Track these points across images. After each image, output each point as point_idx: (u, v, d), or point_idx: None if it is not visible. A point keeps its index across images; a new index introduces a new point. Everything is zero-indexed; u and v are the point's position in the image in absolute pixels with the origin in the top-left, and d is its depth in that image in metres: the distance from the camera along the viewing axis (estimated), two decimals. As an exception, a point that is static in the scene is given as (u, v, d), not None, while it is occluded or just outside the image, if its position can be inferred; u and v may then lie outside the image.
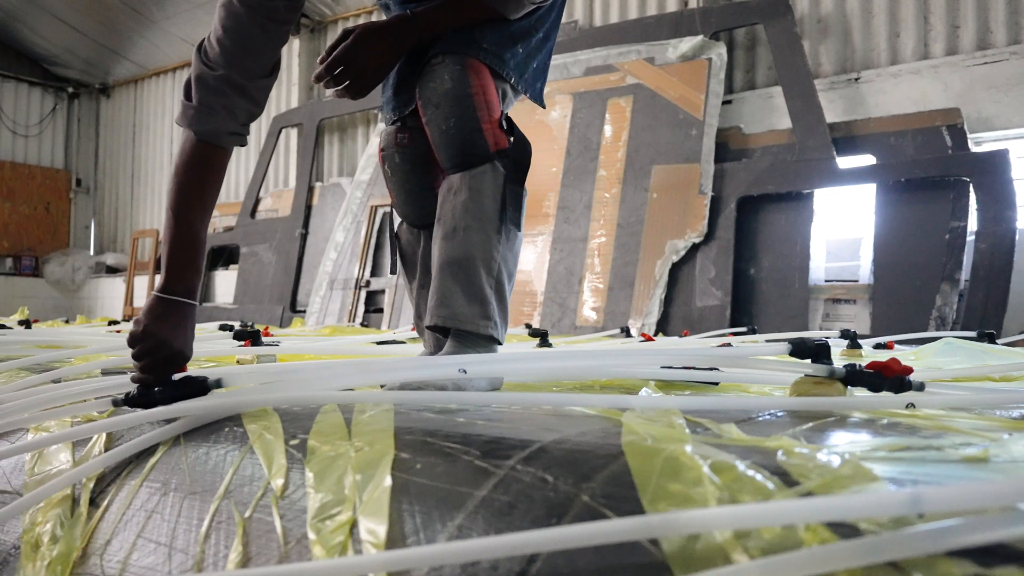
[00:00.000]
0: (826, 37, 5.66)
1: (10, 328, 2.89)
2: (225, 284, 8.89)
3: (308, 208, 8.24)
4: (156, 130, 11.18)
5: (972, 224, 4.67)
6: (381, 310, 7.26)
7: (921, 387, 1.09)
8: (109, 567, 0.83)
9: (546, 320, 5.84)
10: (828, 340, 1.11)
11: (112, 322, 5.10)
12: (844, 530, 0.52)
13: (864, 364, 1.08)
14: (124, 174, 11.63)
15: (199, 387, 1.10)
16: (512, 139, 1.51)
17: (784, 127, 5.46)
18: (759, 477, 0.60)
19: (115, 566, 0.82)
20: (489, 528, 0.64)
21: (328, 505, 0.73)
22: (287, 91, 9.25)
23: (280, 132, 8.67)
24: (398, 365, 1.09)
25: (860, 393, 1.11)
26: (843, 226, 5.38)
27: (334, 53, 1.50)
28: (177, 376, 1.12)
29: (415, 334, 3.70)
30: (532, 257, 6.11)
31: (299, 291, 8.02)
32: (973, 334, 3.06)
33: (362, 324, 7.15)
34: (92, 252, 11.86)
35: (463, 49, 1.50)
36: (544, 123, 6.36)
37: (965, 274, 4.65)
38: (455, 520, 0.66)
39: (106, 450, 1.02)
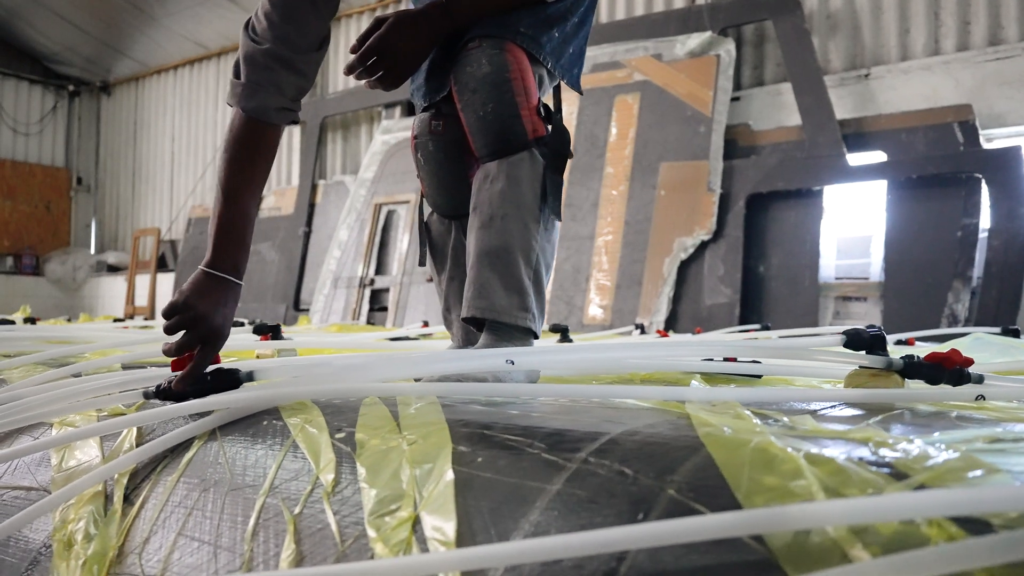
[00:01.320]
0: (835, 33, 5.62)
1: (14, 323, 2.85)
2: (227, 283, 8.82)
3: (311, 206, 8.19)
4: (157, 128, 11.13)
5: (984, 221, 4.63)
6: (385, 308, 7.21)
7: (980, 379, 1.05)
8: (149, 566, 0.79)
9: (553, 318, 5.79)
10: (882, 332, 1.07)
11: (118, 319, 5.05)
12: (969, 526, 0.48)
13: (922, 356, 1.04)
14: (125, 173, 11.58)
15: (231, 380, 1.06)
16: (550, 127, 1.47)
17: (793, 124, 5.42)
18: (862, 470, 0.56)
19: (155, 565, 0.78)
20: (567, 524, 0.60)
21: (385, 501, 0.69)
22: (290, 89, 9.20)
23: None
24: (441, 357, 1.05)
25: (915, 385, 1.07)
26: (853, 223, 5.34)
27: (367, 43, 1.46)
28: (209, 368, 1.08)
29: (425, 331, 3.66)
30: (539, 255, 6.07)
31: (302, 289, 7.98)
32: (997, 330, 3.02)
33: (368, 323, 7.11)
34: (93, 251, 11.81)
35: (501, 32, 1.46)
36: (550, 120, 6.31)
37: (977, 271, 4.61)
38: (529, 516, 0.62)
39: (137, 445, 0.97)
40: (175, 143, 10.83)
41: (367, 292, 7.35)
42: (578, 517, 0.60)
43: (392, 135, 7.56)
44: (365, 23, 8.57)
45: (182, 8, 9.36)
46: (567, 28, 1.56)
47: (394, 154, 7.47)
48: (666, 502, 0.58)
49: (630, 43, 6.05)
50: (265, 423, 0.92)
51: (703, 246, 5.43)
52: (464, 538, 0.63)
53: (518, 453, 0.70)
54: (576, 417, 0.82)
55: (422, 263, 1.74)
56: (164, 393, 1.06)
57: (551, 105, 1.56)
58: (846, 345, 1.07)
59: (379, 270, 7.39)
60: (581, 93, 1.69)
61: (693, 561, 0.53)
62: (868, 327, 1.11)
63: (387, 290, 7.25)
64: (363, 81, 1.48)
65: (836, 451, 0.59)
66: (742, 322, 5.19)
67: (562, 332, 2.34)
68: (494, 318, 1.37)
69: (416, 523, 0.66)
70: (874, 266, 5.15)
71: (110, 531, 0.84)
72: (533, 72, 1.49)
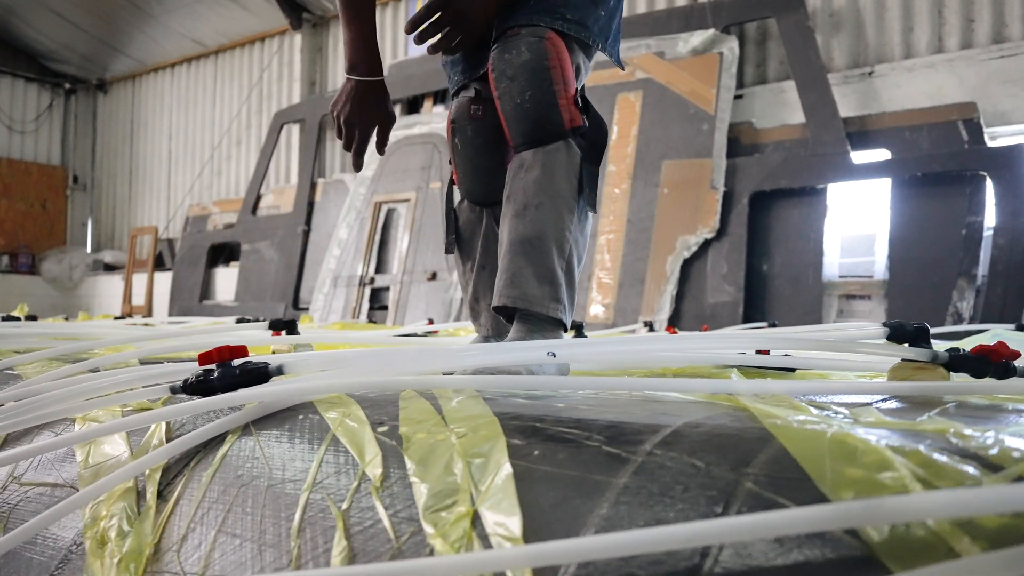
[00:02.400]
0: (838, 31, 5.62)
1: (20, 319, 2.81)
2: (226, 281, 8.80)
3: (311, 205, 8.16)
4: (154, 127, 11.08)
5: (989, 219, 4.63)
6: (386, 307, 7.18)
7: (1025, 373, 1.03)
8: (189, 564, 0.76)
9: (555, 317, 5.77)
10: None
11: (119, 318, 5.01)
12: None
13: (968, 349, 1.02)
14: (122, 171, 11.52)
15: (260, 374, 1.03)
16: (587, 117, 1.46)
17: (796, 121, 5.41)
18: (952, 461, 0.53)
19: (195, 563, 0.76)
20: (639, 518, 0.58)
21: (440, 495, 0.67)
22: (289, 87, 9.17)
23: (281, 128, 8.58)
24: (479, 350, 1.02)
25: (958, 379, 1.05)
26: (857, 221, 5.34)
27: None
28: (236, 362, 1.05)
29: (431, 328, 3.63)
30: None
31: (302, 288, 7.94)
32: (1012, 326, 3.01)
33: (370, 321, 7.08)
34: (89, 249, 11.74)
35: (543, 20, 1.44)
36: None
37: (982, 269, 4.61)
38: (597, 511, 0.60)
39: (168, 440, 0.95)
40: (172, 141, 10.78)
41: (367, 291, 7.32)
42: (651, 511, 0.58)
43: (392, 133, 7.52)
44: (364, 21, 8.53)
45: (180, 5, 9.32)
46: (610, 4, 1.55)
47: (394, 152, 7.44)
48: (745, 495, 0.56)
49: (633, 41, 6.03)
50: (301, 417, 0.89)
51: (706, 244, 5.41)
52: (528, 533, 0.60)
53: (576, 446, 0.68)
54: (626, 410, 0.79)
55: (449, 251, 1.71)
56: (192, 387, 1.03)
57: None
58: (889, 338, 1.04)
59: (379, 269, 7.36)
60: (623, 68, 1.68)
61: (782, 557, 0.50)
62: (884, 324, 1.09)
63: (387, 289, 7.22)
64: (426, 43, 1.47)
65: (917, 443, 0.57)
66: (745, 320, 5.18)
67: (577, 328, 2.32)
68: (525, 308, 1.35)
69: (475, 518, 0.64)
70: (878, 264, 5.14)
71: (145, 528, 0.82)
72: (572, 61, 1.47)
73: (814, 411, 0.73)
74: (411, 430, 0.78)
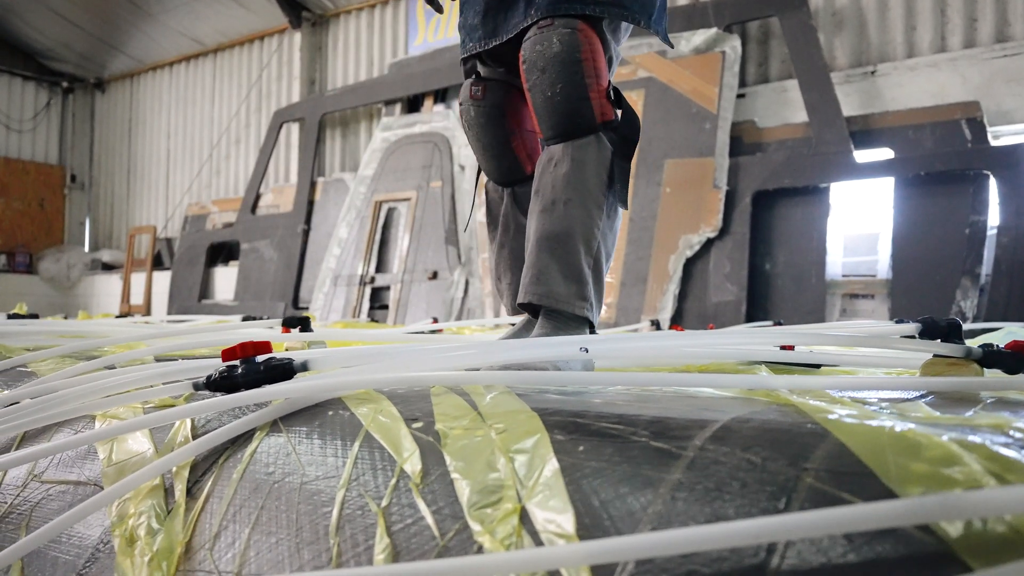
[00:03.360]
0: (841, 30, 5.61)
1: (25, 317, 2.79)
2: (225, 281, 8.77)
3: (310, 204, 8.14)
4: (153, 126, 11.04)
5: (993, 218, 4.63)
6: (386, 306, 7.16)
7: (1059, 369, 1.02)
8: (223, 563, 0.74)
9: (557, 316, 5.76)
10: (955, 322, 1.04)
11: (121, 316, 4.99)
12: None
13: (1002, 344, 1.01)
14: (120, 170, 11.48)
15: (284, 370, 1.02)
16: (619, 111, 1.44)
17: (799, 120, 5.41)
18: (1020, 456, 0.52)
19: (230, 561, 0.74)
20: (696, 514, 0.56)
21: (484, 492, 0.66)
22: (288, 85, 9.14)
23: (281, 127, 8.56)
24: (512, 345, 1.01)
25: (991, 375, 1.04)
26: (860, 220, 5.33)
27: None
28: (260, 358, 1.04)
29: (436, 326, 3.61)
30: (542, 252, 6.03)
31: (301, 287, 7.92)
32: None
33: (371, 320, 7.06)
34: (87, 249, 11.70)
35: (574, 8, 1.41)
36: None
37: (986, 268, 4.60)
38: (650, 507, 0.58)
39: (194, 437, 0.93)
40: (171, 140, 10.74)
41: (367, 290, 7.30)
42: (709, 507, 0.57)
43: (392, 132, 7.51)
44: (363, 20, 8.52)
45: (179, 4, 9.28)
46: None
47: (395, 151, 7.42)
48: (806, 490, 0.55)
49: (635, 39, 6.02)
50: (331, 413, 0.88)
51: (709, 243, 5.41)
52: (580, 530, 0.59)
53: (622, 441, 0.67)
54: (666, 405, 0.78)
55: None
56: (215, 384, 1.02)
57: None
58: (922, 334, 1.03)
59: (380, 268, 7.34)
60: (671, 46, 1.66)
61: (853, 553, 0.49)
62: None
63: (388, 288, 7.20)
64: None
65: (979, 437, 0.56)
66: (748, 319, 5.17)
67: (589, 326, 2.30)
68: (551, 305, 1.33)
69: (522, 515, 0.62)
70: (881, 263, 5.14)
71: (175, 526, 0.80)
72: (604, 54, 1.45)
73: (864, 407, 0.72)
74: (448, 426, 0.77)
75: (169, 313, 8.81)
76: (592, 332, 1.44)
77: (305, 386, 0.92)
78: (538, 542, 0.60)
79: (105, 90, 11.72)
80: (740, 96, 5.74)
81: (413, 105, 7.72)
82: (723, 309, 5.29)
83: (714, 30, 5.67)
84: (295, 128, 8.74)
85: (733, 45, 5.62)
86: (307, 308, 7.70)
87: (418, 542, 0.65)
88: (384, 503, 0.70)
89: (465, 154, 6.84)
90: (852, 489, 0.53)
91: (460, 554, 0.62)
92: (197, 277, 8.82)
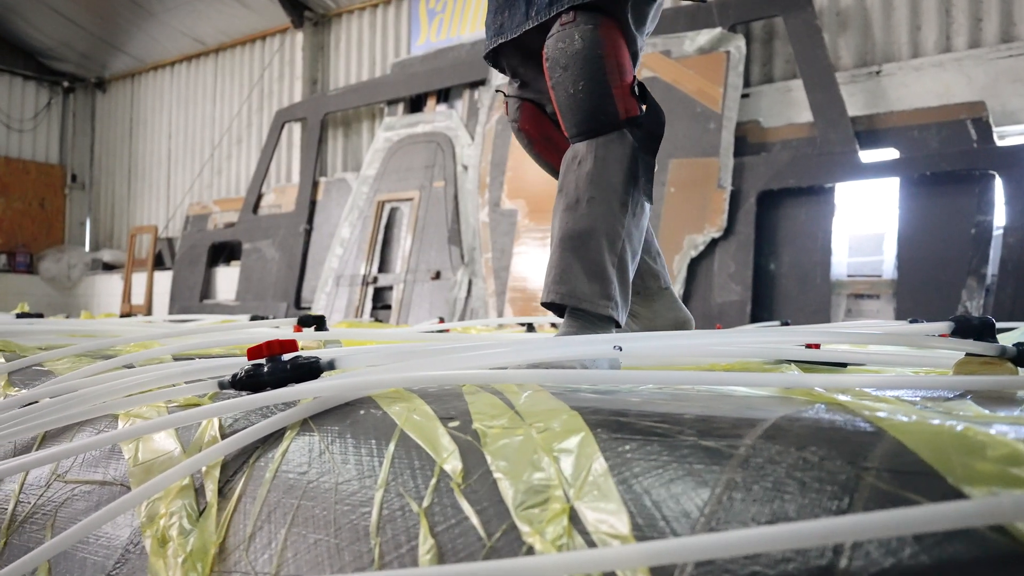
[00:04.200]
0: (845, 30, 5.61)
1: (32, 316, 2.77)
2: (226, 281, 8.76)
3: (312, 203, 8.12)
4: (154, 125, 11.02)
5: (998, 218, 4.62)
6: (389, 306, 7.15)
7: (1093, 367, 1.01)
8: (260, 564, 0.73)
9: (561, 316, 5.75)
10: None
11: (125, 316, 4.97)
12: None
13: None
14: (120, 170, 11.46)
15: (311, 369, 1.01)
16: (644, 106, 1.43)
17: (803, 120, 5.40)
18: (1088, 454, 0.51)
19: (267, 562, 0.73)
20: (753, 514, 0.55)
21: (530, 492, 0.65)
22: (290, 85, 9.13)
23: (283, 127, 8.54)
24: (545, 343, 1.00)
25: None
26: (866, 220, 5.32)
27: None
28: (286, 357, 1.02)
29: (442, 326, 3.60)
30: (546, 253, 6.02)
31: (303, 287, 7.90)
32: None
33: (375, 320, 7.04)
34: (88, 249, 11.68)
35: (595, 5, 1.41)
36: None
37: (992, 269, 4.60)
38: (705, 507, 0.57)
39: (222, 436, 0.92)
40: (172, 140, 10.73)
41: (370, 290, 7.29)
42: (767, 506, 0.55)
43: (395, 131, 7.50)
44: (365, 20, 8.51)
45: (180, 3, 9.27)
46: None
47: (397, 151, 7.41)
48: (868, 490, 0.54)
49: (639, 39, 6.01)
50: (362, 412, 0.87)
51: (713, 243, 5.40)
52: (634, 531, 0.58)
53: (669, 439, 0.66)
54: (707, 404, 0.77)
55: None
56: (241, 383, 1.01)
57: None
58: (954, 333, 1.02)
59: (382, 268, 7.32)
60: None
61: (924, 554, 0.48)
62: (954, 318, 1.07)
63: (390, 288, 7.19)
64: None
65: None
66: (753, 319, 5.17)
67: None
68: (575, 304, 1.32)
69: (571, 515, 0.61)
70: (887, 263, 5.13)
71: (208, 526, 0.79)
72: (628, 49, 1.44)
73: (913, 406, 0.71)
74: (486, 425, 0.76)
75: (171, 313, 8.79)
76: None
77: (335, 385, 0.90)
78: (589, 543, 0.59)
79: (106, 90, 11.70)
80: (744, 96, 5.74)
81: (416, 105, 7.70)
82: (728, 309, 5.29)
83: (718, 30, 5.67)
84: (297, 128, 8.73)
85: (737, 45, 5.62)
86: (309, 308, 7.69)
87: (464, 543, 0.64)
88: (425, 503, 0.69)
89: (468, 154, 6.83)
90: (916, 489, 0.52)
91: (509, 555, 0.61)
92: (199, 277, 8.81)
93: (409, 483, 0.72)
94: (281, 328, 2.33)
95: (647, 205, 1.46)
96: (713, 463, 0.61)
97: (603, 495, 0.61)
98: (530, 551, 0.60)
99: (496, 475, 0.68)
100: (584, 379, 0.88)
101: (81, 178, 11.88)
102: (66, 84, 11.63)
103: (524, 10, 1.56)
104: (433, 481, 0.71)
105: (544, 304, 1.39)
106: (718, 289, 5.36)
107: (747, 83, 5.82)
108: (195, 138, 10.39)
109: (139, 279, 9.94)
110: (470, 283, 6.58)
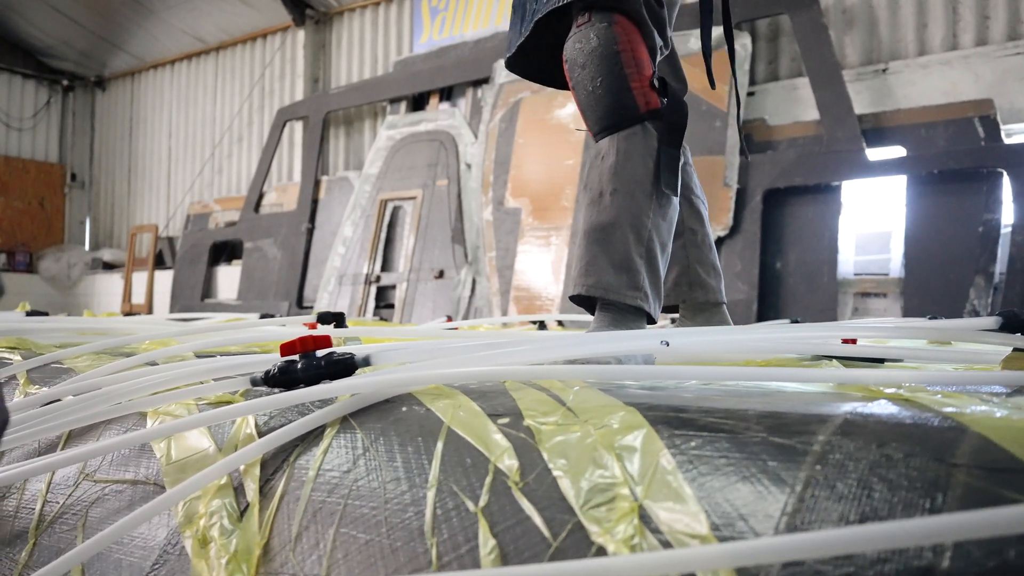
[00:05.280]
0: (851, 28, 5.59)
1: (45, 314, 2.74)
2: (227, 280, 8.72)
3: (314, 202, 8.09)
4: (154, 124, 10.98)
5: (1006, 216, 4.60)
6: (392, 305, 7.13)
7: None
8: (308, 564, 0.71)
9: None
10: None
11: (128, 315, 4.94)
12: None
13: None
14: (120, 169, 11.42)
15: (346, 366, 0.98)
16: (665, 100, 1.42)
17: (810, 118, 5.38)
18: None
19: (315, 563, 0.71)
20: (846, 513, 0.53)
21: (594, 490, 0.62)
22: (291, 83, 9.10)
23: (284, 125, 8.51)
24: (587, 339, 0.98)
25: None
26: (872, 219, 5.31)
27: None
28: (321, 353, 1.00)
29: (451, 324, 3.58)
30: (550, 252, 6.00)
31: (306, 286, 7.88)
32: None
33: (380, 319, 7.02)
34: (87, 248, 11.63)
35: (610, 3, 1.41)
36: (559, 117, 6.25)
37: (1000, 267, 4.58)
38: (785, 506, 0.55)
39: (260, 435, 0.90)
40: (172, 139, 10.69)
41: (373, 289, 7.26)
42: (852, 504, 0.53)
43: (397, 130, 7.47)
44: (367, 20, 8.48)
45: (181, 1, 9.24)
46: None
47: (400, 149, 7.38)
48: (961, 488, 0.51)
49: (643, 37, 5.99)
50: (405, 409, 0.84)
51: (719, 242, 5.38)
52: (712, 531, 0.56)
53: (736, 436, 0.63)
54: (768, 400, 0.75)
55: None
56: (274, 380, 0.99)
57: (675, 73, 1.53)
58: (1002, 328, 1.01)
59: (385, 267, 7.30)
60: None
61: (1025, 554, 0.46)
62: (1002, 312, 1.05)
63: (393, 287, 7.17)
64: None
65: None
66: (760, 319, 5.15)
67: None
68: (602, 296, 1.32)
69: (641, 513, 0.59)
70: (894, 262, 5.11)
71: (250, 526, 0.77)
72: (646, 43, 1.43)
73: (983, 401, 0.69)
74: (538, 422, 0.74)
75: (172, 312, 8.75)
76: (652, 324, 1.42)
77: (374, 381, 0.88)
78: (663, 543, 0.57)
79: (106, 88, 11.66)
80: (750, 94, 5.72)
81: (418, 103, 7.67)
82: (734, 308, 5.26)
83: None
84: (298, 126, 8.70)
85: (743, 43, 5.60)
86: (311, 307, 7.66)
87: (527, 543, 0.62)
88: (482, 502, 0.67)
89: (471, 152, 6.80)
90: (1013, 486, 0.50)
91: (576, 556, 0.59)
92: (200, 276, 8.78)
93: (462, 481, 0.70)
94: (288, 327, 2.31)
95: (674, 199, 1.45)
96: (788, 460, 0.59)
97: (675, 493, 0.59)
98: (600, 551, 0.58)
99: (556, 473, 0.66)
100: (630, 375, 0.86)
101: (81, 177, 11.84)
102: (66, 83, 11.59)
103: (519, 28, 1.61)
104: (488, 479, 0.69)
105: (572, 299, 1.38)
106: (725, 288, 5.34)
107: (753, 81, 5.80)
108: (196, 137, 10.35)
109: (139, 278, 9.90)
110: (474, 282, 6.56)
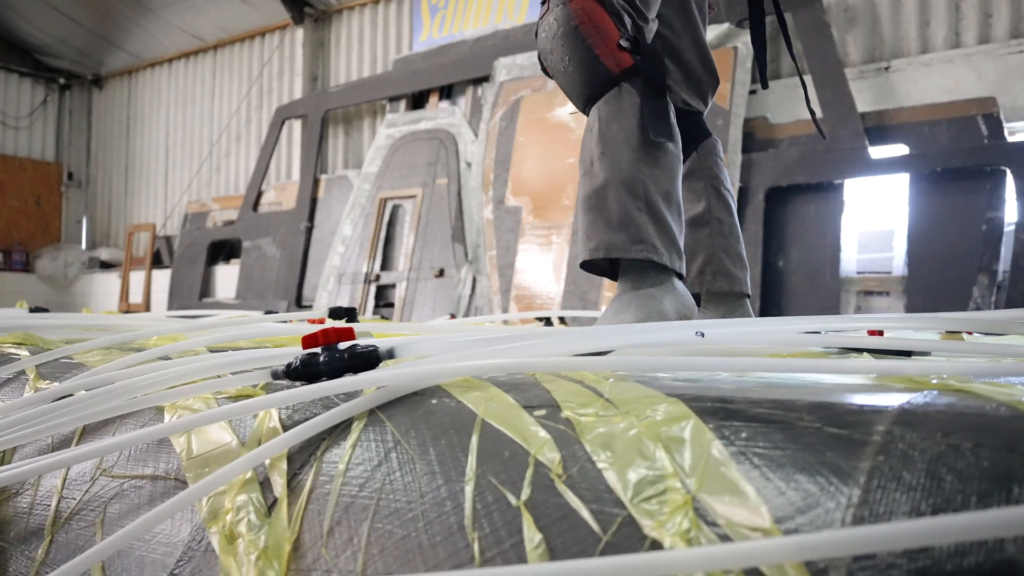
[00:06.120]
0: (854, 26, 5.58)
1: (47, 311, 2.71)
2: (226, 279, 8.69)
3: (313, 201, 8.06)
4: (151, 123, 10.94)
5: (1009, 215, 4.60)
6: (391, 304, 7.10)
7: None
8: (343, 560, 0.69)
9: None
10: None
11: (126, 312, 4.91)
12: None
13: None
14: (118, 167, 11.37)
15: (370, 358, 0.96)
16: (638, 56, 1.43)
17: (812, 117, 5.37)
18: None
19: (349, 559, 0.68)
20: (917, 504, 0.51)
21: (643, 483, 0.60)
22: (290, 82, 9.07)
23: (283, 124, 8.48)
24: (619, 331, 0.95)
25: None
26: (875, 217, 5.30)
27: None
28: (343, 345, 0.98)
29: (454, 322, 3.54)
30: (551, 250, 5.98)
31: (305, 285, 7.85)
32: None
33: (381, 318, 6.99)
34: (84, 247, 11.58)
35: None
36: (559, 116, 6.23)
37: (1003, 265, 4.58)
38: (851, 499, 0.53)
39: (284, 428, 0.87)
40: (170, 138, 10.65)
41: (372, 288, 7.24)
42: (923, 496, 0.51)
43: (397, 128, 7.45)
44: (367, 18, 8.46)
45: (179, -1, 9.20)
46: None
47: (399, 148, 7.35)
48: (1034, 478, 0.49)
49: (645, 35, 5.97)
50: (435, 401, 0.82)
51: (722, 240, 5.36)
52: (775, 523, 0.54)
53: (789, 427, 0.61)
54: (812, 391, 0.73)
55: None
56: (296, 372, 0.96)
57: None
58: (1038, 319, 0.99)
59: (384, 265, 7.27)
60: None
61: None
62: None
63: (393, 286, 7.14)
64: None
65: None
66: (761, 317, 5.13)
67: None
68: (605, 255, 1.34)
69: (695, 507, 0.57)
70: (897, 260, 5.11)
71: (280, 522, 0.74)
72: (605, 8, 1.44)
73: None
74: (577, 413, 0.71)
75: (170, 311, 8.71)
76: (681, 280, 1.42)
77: (402, 373, 0.86)
78: (722, 536, 0.54)
79: (103, 87, 11.61)
80: (751, 92, 5.70)
81: (418, 102, 7.65)
82: (736, 306, 5.25)
83: (726, 25, 5.64)
84: (297, 125, 8.67)
85: (745, 40, 5.58)
86: (311, 306, 7.63)
87: (575, 537, 0.60)
88: (524, 496, 0.65)
89: (471, 151, 6.78)
90: (1093, 476, 0.48)
91: (628, 550, 0.57)
92: (198, 275, 8.74)
93: (501, 475, 0.68)
94: (288, 324, 2.28)
95: (670, 146, 1.45)
96: (848, 452, 0.57)
97: (731, 485, 0.57)
98: (654, 545, 0.56)
99: (600, 465, 0.64)
100: (664, 366, 0.83)
101: (78, 176, 11.78)
102: (62, 81, 11.53)
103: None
104: (529, 472, 0.67)
105: (583, 267, 1.42)
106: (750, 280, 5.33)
107: (755, 79, 5.79)
108: (194, 135, 10.31)
109: (137, 278, 9.86)
110: (474, 280, 6.53)
